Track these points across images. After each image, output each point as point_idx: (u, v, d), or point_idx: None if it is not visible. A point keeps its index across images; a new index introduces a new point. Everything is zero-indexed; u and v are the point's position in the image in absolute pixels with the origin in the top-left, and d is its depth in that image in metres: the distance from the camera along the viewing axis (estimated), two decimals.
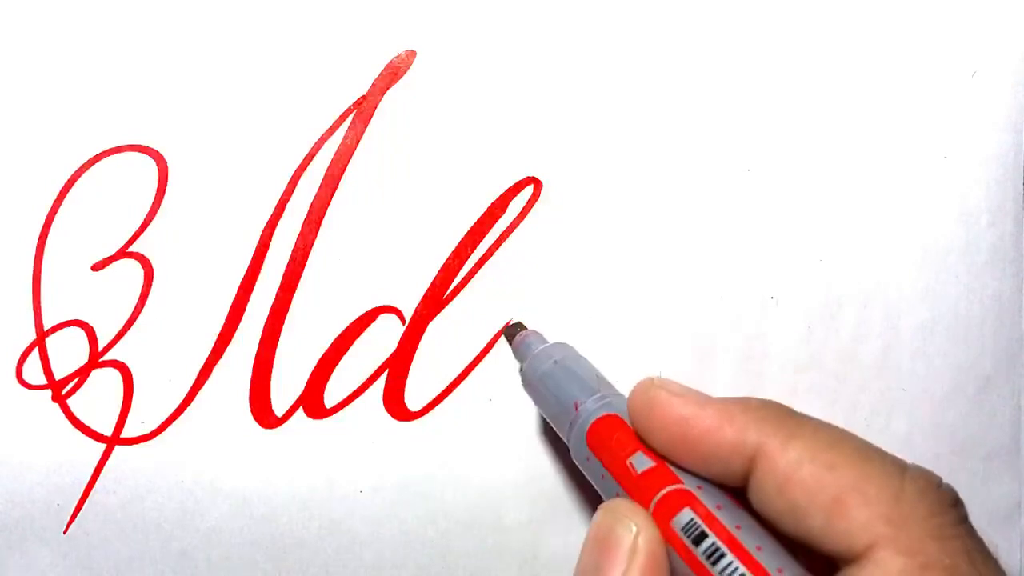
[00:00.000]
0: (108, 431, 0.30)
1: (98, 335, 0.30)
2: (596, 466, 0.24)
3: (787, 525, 0.20)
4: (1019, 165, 0.32)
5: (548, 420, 0.27)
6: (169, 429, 0.30)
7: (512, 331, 0.30)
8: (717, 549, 0.20)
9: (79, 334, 0.30)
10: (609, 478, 0.23)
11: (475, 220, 0.30)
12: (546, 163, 0.31)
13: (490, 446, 0.31)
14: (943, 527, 0.19)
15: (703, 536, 0.20)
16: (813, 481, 0.20)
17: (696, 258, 0.31)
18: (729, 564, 0.20)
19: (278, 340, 0.30)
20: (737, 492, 0.22)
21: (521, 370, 0.28)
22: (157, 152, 0.30)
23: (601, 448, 0.24)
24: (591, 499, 0.31)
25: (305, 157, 0.30)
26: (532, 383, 0.27)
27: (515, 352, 0.29)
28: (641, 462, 0.23)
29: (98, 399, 0.30)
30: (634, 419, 0.23)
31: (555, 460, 0.31)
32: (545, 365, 0.27)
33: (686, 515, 0.21)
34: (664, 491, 0.22)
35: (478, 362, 0.30)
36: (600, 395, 0.25)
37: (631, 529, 0.21)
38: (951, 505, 0.20)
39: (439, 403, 0.30)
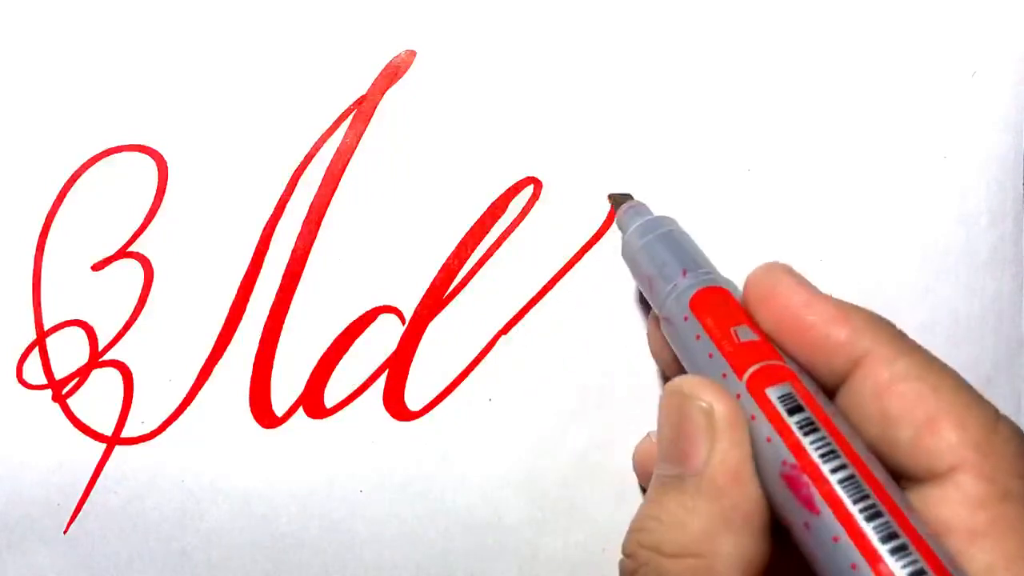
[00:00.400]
0: (108, 431, 0.30)
1: (98, 335, 0.30)
2: (693, 326, 0.24)
3: (871, 432, 0.21)
4: (1019, 165, 0.32)
5: (641, 285, 0.27)
6: (169, 429, 0.30)
7: (619, 198, 0.29)
8: (812, 422, 0.20)
9: (79, 334, 0.30)
10: (706, 340, 0.23)
11: (475, 220, 0.30)
12: (546, 163, 0.31)
13: (490, 446, 0.31)
14: None
15: (798, 409, 0.20)
16: (914, 395, 0.21)
17: None
18: (822, 438, 0.20)
19: (278, 340, 0.30)
20: (826, 391, 0.22)
21: (626, 236, 0.28)
22: (157, 152, 0.30)
23: (706, 312, 0.24)
24: (591, 499, 0.31)
25: (305, 157, 0.30)
26: (637, 247, 0.27)
27: (619, 220, 0.29)
28: (746, 333, 0.23)
29: (98, 399, 0.30)
30: (751, 292, 0.24)
31: (555, 460, 0.31)
32: (656, 232, 0.27)
33: (785, 387, 0.21)
34: (764, 363, 0.22)
35: (478, 362, 0.30)
36: (710, 270, 0.25)
37: (701, 408, 0.21)
38: None
39: (439, 403, 0.30)
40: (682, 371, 0.25)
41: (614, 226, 0.31)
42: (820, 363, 0.22)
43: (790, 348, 0.22)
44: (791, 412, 0.20)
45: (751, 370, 0.22)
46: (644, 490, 0.31)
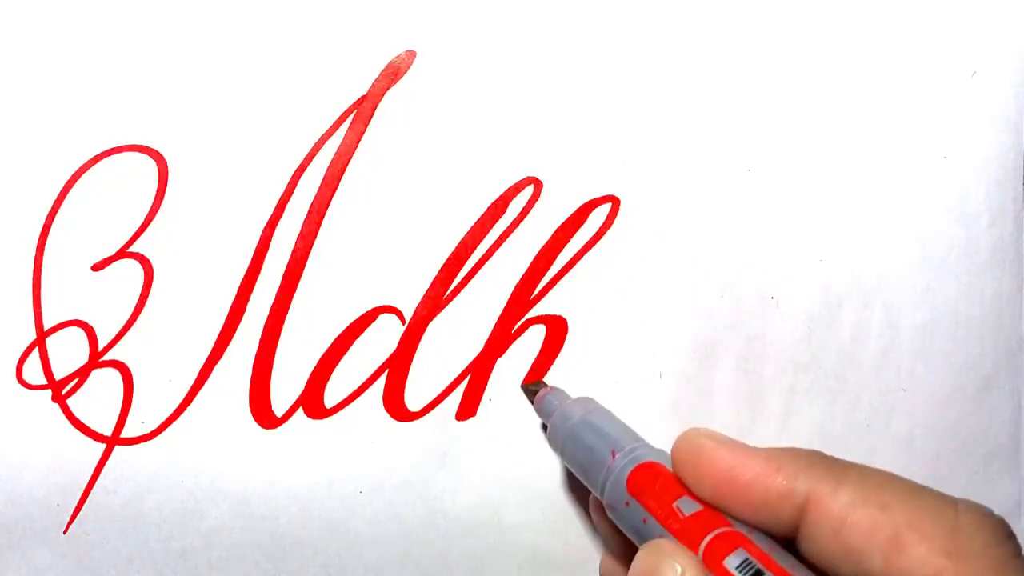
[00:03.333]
0: (108, 431, 0.30)
1: (98, 335, 0.30)
2: (636, 511, 0.24)
3: (843, 569, 0.21)
4: (1019, 165, 0.32)
5: (576, 472, 0.27)
6: (169, 429, 0.30)
7: (533, 388, 0.30)
8: None
9: (79, 334, 0.30)
10: (652, 522, 0.23)
11: (475, 220, 0.30)
12: (546, 163, 0.31)
13: (490, 446, 0.31)
14: (1001, 559, 0.19)
15: (759, 574, 0.20)
16: (868, 522, 0.20)
17: (696, 258, 0.31)
18: None
19: (278, 340, 0.30)
20: (783, 541, 0.22)
21: (547, 426, 0.29)
22: (157, 152, 0.30)
23: (644, 493, 0.24)
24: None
25: (305, 157, 0.30)
26: (563, 436, 0.27)
27: (538, 409, 0.29)
28: (688, 506, 0.23)
29: (98, 399, 0.30)
30: (679, 467, 0.24)
31: (555, 460, 0.31)
32: (575, 417, 0.27)
33: (740, 555, 0.21)
34: (715, 532, 0.22)
35: (478, 362, 0.30)
36: (637, 444, 0.26)
37: (676, 569, 0.21)
38: (1006, 537, 0.20)
39: (439, 403, 0.30)
40: (630, 546, 0.25)
41: (614, 226, 0.31)
42: (767, 518, 0.22)
43: (734, 511, 0.22)
44: None
45: (704, 543, 0.22)
46: None
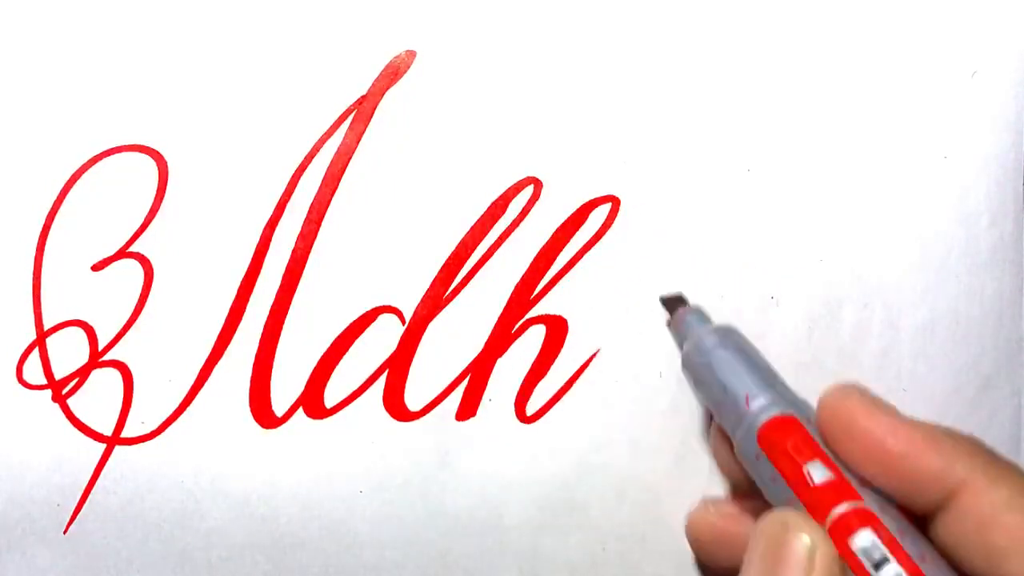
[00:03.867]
0: (108, 431, 0.30)
1: (98, 335, 0.30)
2: (766, 467, 0.23)
3: (977, 564, 0.20)
4: (1019, 165, 0.32)
5: (709, 405, 0.26)
6: (169, 429, 0.30)
7: (672, 304, 0.28)
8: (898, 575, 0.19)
9: (79, 334, 0.30)
10: (781, 482, 0.22)
11: (475, 220, 0.30)
12: (546, 163, 0.31)
13: (490, 446, 0.31)
14: None
15: (885, 561, 0.20)
16: (1020, 526, 0.20)
17: (696, 258, 0.31)
18: None
19: (278, 340, 0.30)
20: (917, 519, 0.21)
21: (685, 349, 0.27)
22: (157, 152, 0.30)
23: (775, 449, 0.23)
24: (591, 499, 0.31)
25: (305, 157, 0.30)
26: (698, 366, 0.26)
27: (674, 329, 0.28)
28: (819, 471, 0.22)
29: (98, 399, 0.30)
30: (825, 424, 0.22)
31: (555, 460, 0.31)
32: (714, 348, 0.26)
33: (867, 537, 0.20)
34: (843, 507, 0.21)
35: (478, 362, 0.30)
36: (775, 392, 0.24)
37: (806, 543, 0.20)
38: None
39: (439, 403, 0.30)
40: (744, 483, 0.25)
41: (615, 227, 0.31)
42: (911, 494, 0.21)
43: (877, 479, 0.22)
44: (877, 567, 0.20)
45: (831, 517, 0.21)
46: (699, 560, 0.30)
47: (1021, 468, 0.21)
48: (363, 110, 0.30)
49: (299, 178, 0.30)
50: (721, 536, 0.28)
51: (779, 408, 0.24)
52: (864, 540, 0.20)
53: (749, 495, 0.28)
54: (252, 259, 0.30)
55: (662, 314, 0.31)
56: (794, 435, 0.23)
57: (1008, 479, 0.20)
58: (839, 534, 0.20)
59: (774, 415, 0.23)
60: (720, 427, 0.28)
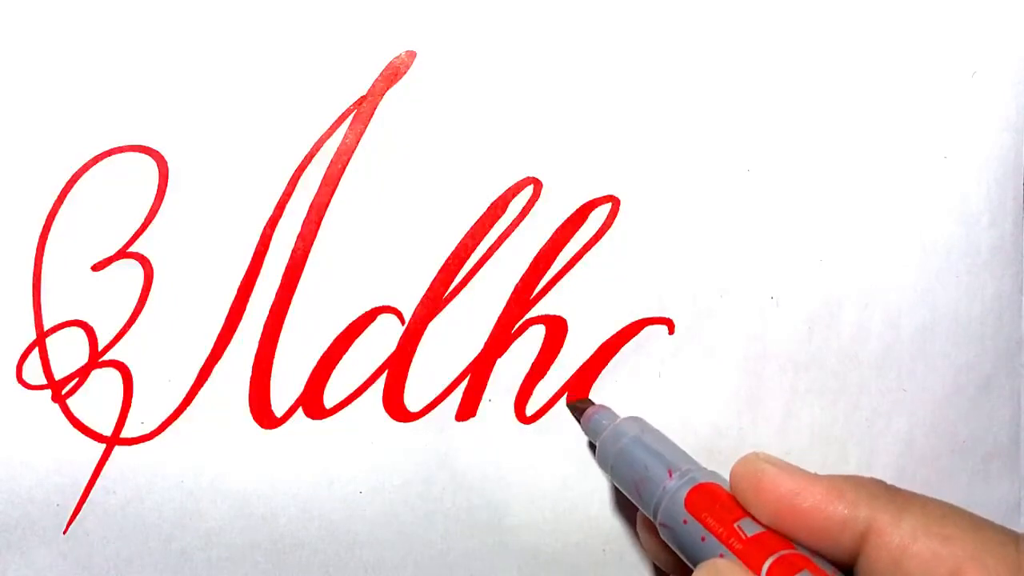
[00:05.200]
0: (108, 431, 0.30)
1: (98, 335, 0.30)
2: (695, 529, 0.24)
3: None
4: (1019, 165, 0.32)
5: (627, 490, 0.27)
6: (169, 429, 0.30)
7: (581, 406, 0.30)
8: None
9: (79, 334, 0.30)
10: (712, 541, 0.23)
11: (475, 220, 0.30)
12: (546, 163, 0.31)
13: (490, 446, 0.31)
14: None
15: None
16: (930, 554, 0.20)
17: (696, 258, 0.31)
18: None
19: (278, 340, 0.30)
20: (843, 569, 0.22)
21: (596, 445, 0.29)
22: (157, 152, 0.30)
23: (704, 511, 0.24)
24: (591, 499, 0.31)
25: (305, 157, 0.30)
26: (614, 455, 0.27)
27: (586, 428, 0.29)
28: (750, 527, 0.23)
29: (98, 399, 0.30)
30: (738, 490, 0.24)
31: (555, 460, 0.31)
32: (628, 436, 0.27)
33: (806, 575, 0.21)
34: (779, 553, 0.22)
35: (478, 362, 0.30)
36: (692, 466, 0.26)
37: None
38: None
39: (439, 403, 0.30)
40: (680, 567, 0.25)
41: (615, 226, 0.31)
42: (828, 544, 0.22)
43: (793, 535, 0.22)
44: None
45: (767, 564, 0.21)
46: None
47: (926, 499, 0.22)
48: (363, 110, 0.30)
49: (299, 178, 0.30)
50: None
51: (702, 477, 0.25)
52: None
53: None
54: (252, 259, 0.30)
55: (662, 314, 0.31)
56: (721, 497, 0.24)
57: (910, 511, 0.21)
58: None
59: (699, 483, 0.25)
60: (643, 521, 0.28)
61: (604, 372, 0.31)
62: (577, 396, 0.31)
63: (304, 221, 0.30)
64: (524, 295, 0.31)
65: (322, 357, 0.30)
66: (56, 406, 0.30)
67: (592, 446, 0.30)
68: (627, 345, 0.31)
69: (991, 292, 0.32)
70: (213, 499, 0.30)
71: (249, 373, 0.30)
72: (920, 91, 0.31)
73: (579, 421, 0.30)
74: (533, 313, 0.31)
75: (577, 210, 0.31)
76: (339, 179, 0.30)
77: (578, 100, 0.31)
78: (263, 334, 0.30)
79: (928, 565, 0.20)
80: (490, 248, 0.30)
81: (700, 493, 0.24)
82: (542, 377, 0.31)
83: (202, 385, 0.30)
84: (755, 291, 0.31)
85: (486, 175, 0.30)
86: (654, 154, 0.31)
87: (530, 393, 0.31)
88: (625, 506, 0.31)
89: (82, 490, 0.30)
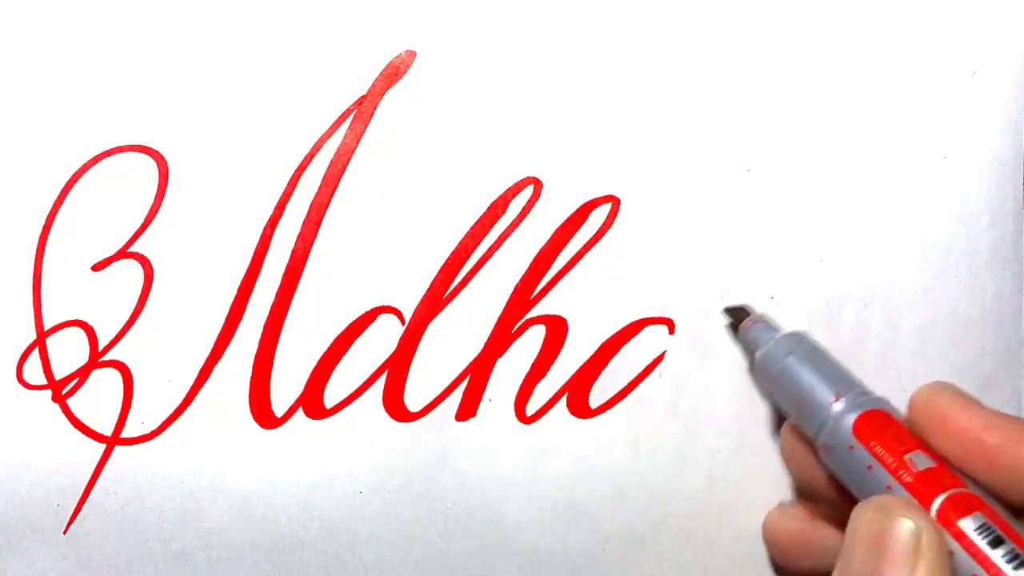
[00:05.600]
0: (108, 431, 0.30)
1: (98, 335, 0.30)
2: (861, 456, 0.23)
3: None
4: (1019, 165, 0.32)
5: (786, 407, 0.26)
6: (169, 429, 0.30)
7: (739, 314, 0.29)
8: (1017, 555, 0.19)
9: (79, 334, 0.30)
10: (880, 470, 0.22)
11: (475, 220, 0.30)
12: (546, 163, 0.31)
13: (490, 446, 0.31)
14: None
15: (1000, 541, 0.20)
16: None
17: (696, 258, 0.31)
18: None
19: (278, 340, 0.30)
20: (1016, 514, 0.21)
21: (759, 355, 0.27)
22: (157, 152, 0.30)
23: (873, 438, 0.23)
24: (591, 499, 0.31)
25: (305, 157, 0.30)
26: (776, 370, 0.26)
27: (744, 337, 0.28)
28: (922, 460, 0.22)
29: (98, 399, 0.30)
30: (918, 419, 0.23)
31: (555, 460, 0.31)
32: (794, 351, 0.26)
33: (977, 518, 0.20)
34: (950, 492, 0.21)
35: (478, 362, 0.30)
36: (863, 390, 0.25)
37: (910, 527, 0.20)
38: None
39: (439, 403, 0.30)
40: (820, 490, 0.25)
41: (615, 226, 0.31)
42: (1009, 486, 0.21)
43: (973, 472, 0.22)
44: (993, 545, 0.20)
45: (938, 501, 0.21)
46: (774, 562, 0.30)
47: None
48: (363, 110, 0.30)
49: (299, 178, 0.30)
50: (800, 539, 0.28)
51: (873, 403, 0.24)
52: (975, 521, 0.20)
53: (821, 500, 0.28)
54: (252, 259, 0.30)
55: (662, 315, 0.31)
56: (892, 426, 0.23)
57: None
58: (948, 516, 0.20)
59: (869, 408, 0.24)
60: (793, 431, 0.28)
61: (604, 372, 0.31)
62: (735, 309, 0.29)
63: (304, 221, 0.30)
64: (524, 295, 0.31)
65: (322, 357, 0.30)
66: (56, 406, 0.30)
67: (748, 357, 0.29)
68: (627, 345, 0.31)
69: (991, 292, 0.32)
70: (213, 499, 0.30)
71: (249, 373, 0.30)
72: (920, 91, 0.31)
73: (735, 329, 0.29)
74: (533, 313, 0.31)
75: (577, 210, 0.31)
76: (339, 179, 0.30)
77: (578, 100, 0.31)
78: (263, 334, 0.30)
79: None
80: (490, 248, 0.30)
81: (870, 419, 0.23)
82: (542, 377, 0.31)
83: (202, 385, 0.30)
84: (755, 291, 0.31)
85: (486, 175, 0.30)
86: (654, 154, 0.31)
87: (530, 393, 0.31)
88: (622, 510, 0.31)
89: (82, 490, 0.30)
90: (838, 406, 0.24)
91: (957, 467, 0.22)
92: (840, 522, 0.23)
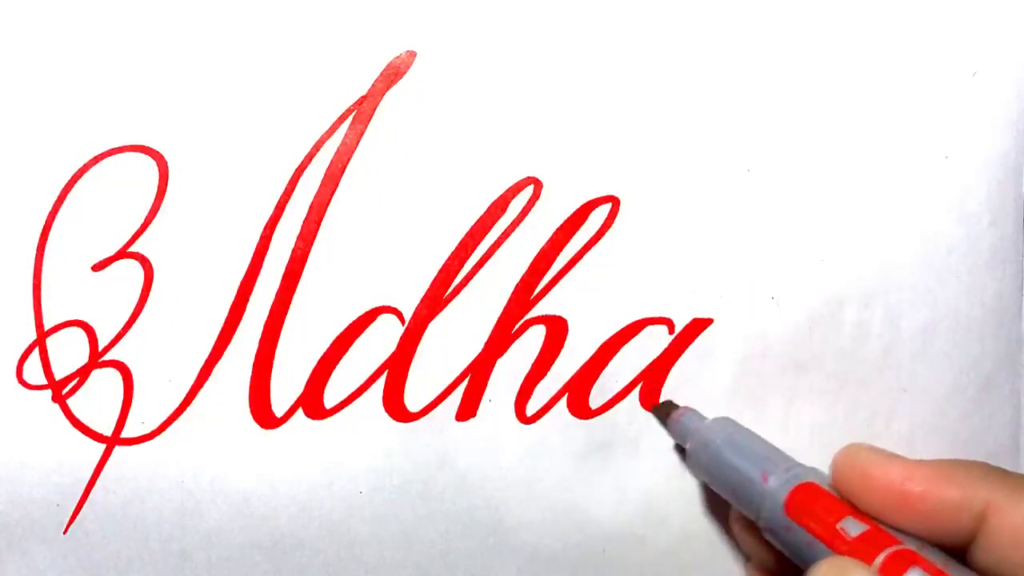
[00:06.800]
0: (108, 431, 0.30)
1: (98, 335, 0.30)
2: (799, 535, 0.24)
3: None
4: (1019, 165, 0.32)
5: (724, 494, 0.27)
6: (169, 429, 0.30)
7: (666, 410, 0.30)
8: None
9: (79, 334, 0.30)
10: (818, 545, 0.23)
11: (475, 220, 0.30)
12: (546, 163, 0.31)
13: (490, 446, 0.31)
14: None
15: None
16: None
17: (696, 258, 0.31)
18: None
19: (278, 340, 0.30)
20: (954, 554, 0.22)
21: (686, 449, 0.28)
22: (157, 152, 0.30)
23: (804, 515, 0.24)
24: (591, 499, 0.31)
25: (305, 157, 0.30)
26: (707, 459, 0.27)
27: (674, 432, 0.29)
28: (854, 526, 0.22)
29: (98, 399, 0.30)
30: (842, 483, 0.23)
31: (555, 460, 0.31)
32: (718, 439, 0.27)
33: (916, 572, 0.21)
34: (887, 552, 0.21)
35: (478, 362, 0.30)
36: (788, 464, 0.25)
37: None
38: None
39: (439, 403, 0.30)
40: (781, 561, 0.25)
41: (615, 226, 0.31)
42: (941, 530, 0.22)
43: (905, 525, 0.22)
44: None
45: (877, 562, 0.21)
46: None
47: None
48: (363, 110, 0.30)
49: (299, 178, 0.30)
50: None
51: (800, 478, 0.25)
52: (917, 574, 0.21)
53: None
54: (252, 259, 0.30)
55: (662, 315, 0.31)
56: (820, 498, 0.24)
57: None
58: None
59: (795, 485, 0.24)
60: (739, 516, 0.28)
61: (604, 372, 0.31)
62: (653, 400, 0.30)
63: (304, 221, 0.30)
64: (524, 295, 0.31)
65: (322, 357, 0.30)
66: (56, 406, 0.30)
67: (680, 449, 0.30)
68: (627, 345, 0.31)
69: (991, 292, 0.32)
70: (213, 499, 0.30)
71: (249, 373, 0.30)
72: (920, 91, 0.31)
73: (664, 425, 0.30)
74: (533, 313, 0.31)
75: (577, 210, 0.31)
76: (339, 179, 0.30)
77: (578, 100, 0.31)
78: (263, 334, 0.30)
79: None
80: (490, 248, 0.30)
81: (799, 495, 0.24)
82: (542, 377, 0.31)
83: (202, 385, 0.30)
84: (755, 291, 0.31)
85: (486, 175, 0.30)
86: (654, 154, 0.31)
87: (530, 393, 0.31)
88: (622, 510, 0.31)
89: (82, 490, 0.30)
90: (768, 485, 0.25)
91: (889, 524, 0.22)
92: None
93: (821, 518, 0.23)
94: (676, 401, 0.30)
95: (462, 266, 0.30)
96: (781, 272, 0.31)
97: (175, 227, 0.30)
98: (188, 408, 0.30)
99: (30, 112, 0.30)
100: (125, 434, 0.30)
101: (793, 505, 0.24)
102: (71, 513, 0.30)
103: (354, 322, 0.30)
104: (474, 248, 0.30)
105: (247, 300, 0.30)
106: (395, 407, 0.30)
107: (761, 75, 0.31)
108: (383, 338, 0.30)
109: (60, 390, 0.30)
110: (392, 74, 0.30)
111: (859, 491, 0.23)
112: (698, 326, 0.31)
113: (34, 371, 0.30)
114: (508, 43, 0.30)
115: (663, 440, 0.31)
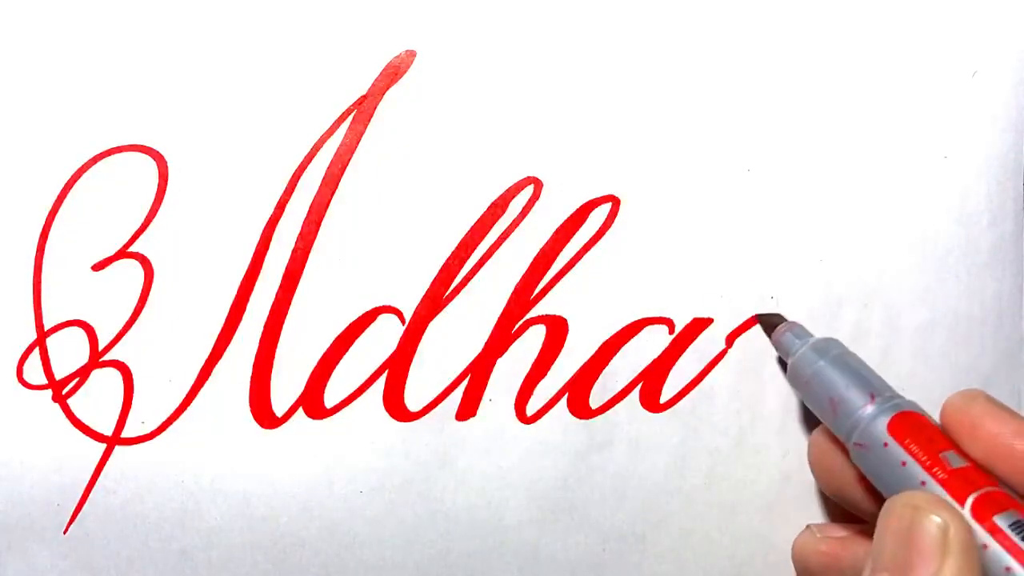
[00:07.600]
0: (108, 431, 0.30)
1: (98, 335, 0.30)
2: (895, 454, 0.23)
3: None
4: (1019, 165, 0.32)
5: (818, 407, 0.27)
6: (169, 429, 0.30)
7: (772, 321, 0.30)
8: None
9: (79, 334, 0.30)
10: (914, 466, 0.23)
11: (475, 220, 0.30)
12: (546, 163, 0.31)
13: (490, 446, 0.31)
14: None
15: None
16: None
17: (696, 258, 0.31)
18: None
19: (278, 340, 0.30)
20: None
21: (793, 359, 0.28)
22: (157, 152, 0.30)
23: (908, 438, 0.23)
24: (591, 499, 0.31)
25: (305, 157, 0.30)
26: (809, 374, 0.27)
27: (778, 344, 0.29)
28: (955, 460, 0.23)
29: (98, 399, 0.30)
30: (950, 423, 0.24)
31: (555, 460, 0.31)
32: (827, 356, 0.27)
33: (1013, 514, 0.21)
34: (984, 490, 0.21)
35: (478, 362, 0.30)
36: (895, 394, 0.25)
37: (938, 523, 0.20)
38: None
39: (439, 403, 0.30)
40: (847, 492, 0.26)
41: (615, 226, 0.31)
42: None
43: (1003, 476, 0.22)
44: None
45: (973, 497, 0.21)
46: None
47: None
48: (363, 110, 0.30)
49: (299, 178, 0.30)
50: (830, 561, 0.29)
51: (906, 405, 0.25)
52: (1012, 517, 0.21)
53: (849, 505, 0.28)
54: (252, 259, 0.30)
55: (662, 315, 0.31)
56: (926, 428, 0.24)
57: None
58: (982, 513, 0.21)
59: (903, 409, 0.24)
60: (823, 434, 0.28)
61: (604, 372, 0.31)
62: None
63: (304, 221, 0.30)
64: (524, 295, 0.31)
65: (322, 357, 0.30)
66: (56, 406, 0.30)
67: (781, 363, 0.30)
68: (627, 345, 0.31)
69: (991, 292, 0.32)
70: (213, 499, 0.30)
71: (249, 373, 0.30)
72: (920, 91, 0.31)
73: (769, 336, 0.30)
74: (533, 313, 0.31)
75: (577, 210, 0.31)
76: (339, 179, 0.30)
77: (578, 100, 0.31)
78: (263, 334, 0.30)
79: None
80: (490, 248, 0.30)
81: (905, 419, 0.24)
82: (542, 377, 0.31)
83: (202, 385, 0.30)
84: (755, 291, 0.31)
85: (486, 175, 0.30)
86: (654, 154, 0.31)
87: (530, 393, 0.31)
88: (622, 510, 0.31)
89: (82, 490, 0.30)
90: (872, 407, 0.25)
91: (990, 470, 0.23)
92: (869, 536, 0.23)
93: (924, 444, 0.23)
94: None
95: (462, 266, 0.30)
96: (781, 272, 0.31)
97: (175, 227, 0.30)
98: (188, 408, 0.30)
99: (30, 112, 0.30)
100: (125, 434, 0.30)
101: (897, 426, 0.24)
102: (71, 513, 0.30)
103: (354, 322, 0.30)
104: (474, 248, 0.30)
105: (247, 300, 0.30)
106: (395, 407, 0.30)
107: (761, 75, 0.31)
108: (383, 338, 0.30)
109: (60, 390, 0.30)
110: (392, 73, 0.30)
111: (966, 437, 0.23)
112: (698, 326, 0.31)
113: (34, 371, 0.30)
114: (508, 43, 0.30)
115: (663, 440, 0.31)
